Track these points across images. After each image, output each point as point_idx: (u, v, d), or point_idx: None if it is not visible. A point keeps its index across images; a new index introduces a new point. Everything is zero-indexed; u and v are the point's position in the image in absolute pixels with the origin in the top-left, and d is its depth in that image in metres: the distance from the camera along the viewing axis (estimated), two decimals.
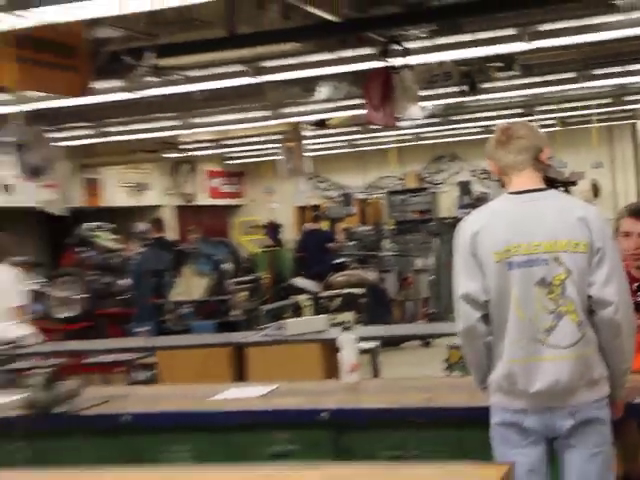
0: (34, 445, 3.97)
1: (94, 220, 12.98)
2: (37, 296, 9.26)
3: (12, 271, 7.88)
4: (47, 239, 15.04)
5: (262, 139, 14.67)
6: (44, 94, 8.48)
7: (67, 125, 12.13)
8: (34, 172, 6.99)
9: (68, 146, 13.14)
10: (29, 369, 6.18)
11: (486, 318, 3.33)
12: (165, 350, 6.55)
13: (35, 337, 6.81)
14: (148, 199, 17.31)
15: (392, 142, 16.52)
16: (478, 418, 3.46)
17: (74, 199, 14.05)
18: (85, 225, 12.55)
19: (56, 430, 4.01)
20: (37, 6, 5.76)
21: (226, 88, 9.49)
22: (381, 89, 8.98)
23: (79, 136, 12.87)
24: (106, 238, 11.20)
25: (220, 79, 9.10)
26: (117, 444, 3.93)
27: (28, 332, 6.65)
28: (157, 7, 5.91)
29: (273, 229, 17.56)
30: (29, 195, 7.07)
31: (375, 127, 12.94)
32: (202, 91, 9.66)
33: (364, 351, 6.66)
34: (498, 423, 3.36)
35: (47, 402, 3.97)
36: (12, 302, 7.58)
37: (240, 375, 5.79)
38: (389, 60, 8.30)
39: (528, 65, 10.50)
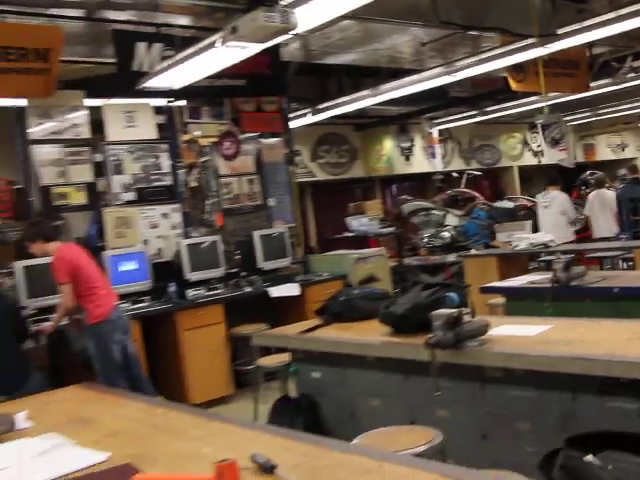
0: (557, 305, 3.82)
1: (590, 169, 12.46)
2: None
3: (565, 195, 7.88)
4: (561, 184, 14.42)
5: None
6: (559, 93, 8.07)
7: (574, 111, 11.53)
8: (554, 142, 6.72)
9: (574, 124, 12.58)
10: (554, 260, 6.02)
11: None
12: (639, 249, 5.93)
13: (554, 241, 6.58)
14: (626, 154, 15.60)
15: None
16: None
17: (577, 157, 13.43)
18: (585, 173, 12.17)
19: (571, 296, 3.86)
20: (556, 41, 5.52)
21: None
22: None
23: (581, 117, 12.11)
24: (600, 180, 10.37)
25: None
26: (609, 306, 3.68)
27: (551, 238, 6.46)
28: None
29: None
30: (551, 157, 6.85)
31: None
32: None
33: None
34: None
35: (566, 278, 3.83)
36: (571, 216, 7.61)
37: None
38: None
39: None
